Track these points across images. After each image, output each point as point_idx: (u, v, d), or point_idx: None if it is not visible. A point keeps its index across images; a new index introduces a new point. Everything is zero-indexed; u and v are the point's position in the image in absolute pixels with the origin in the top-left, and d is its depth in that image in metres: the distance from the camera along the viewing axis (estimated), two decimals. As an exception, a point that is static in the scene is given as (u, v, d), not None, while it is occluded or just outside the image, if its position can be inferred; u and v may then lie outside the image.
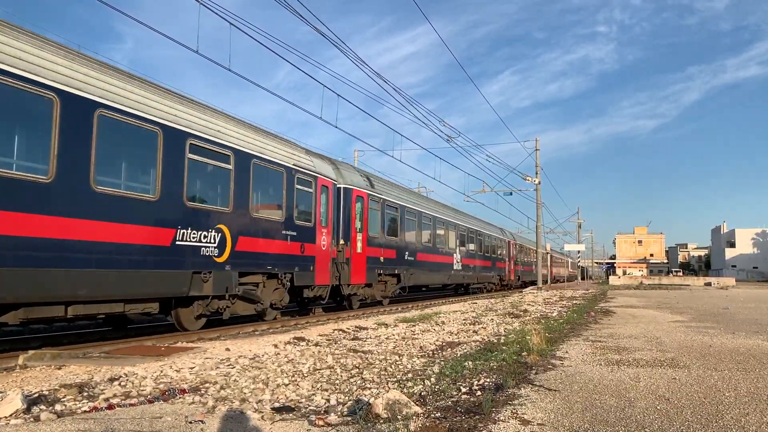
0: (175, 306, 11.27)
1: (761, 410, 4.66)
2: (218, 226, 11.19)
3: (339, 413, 4.58)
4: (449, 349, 8.29)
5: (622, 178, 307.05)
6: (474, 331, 10.65)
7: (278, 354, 7.75)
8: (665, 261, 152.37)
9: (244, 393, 5.32)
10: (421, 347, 8.52)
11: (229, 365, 6.82)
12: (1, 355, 7.98)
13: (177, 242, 10.11)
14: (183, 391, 5.32)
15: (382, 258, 19.05)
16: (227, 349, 8.14)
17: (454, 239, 28.26)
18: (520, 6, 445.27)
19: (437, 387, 5.54)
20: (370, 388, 5.56)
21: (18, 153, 8.11)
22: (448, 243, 27.37)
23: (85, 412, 4.62)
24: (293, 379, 6.02)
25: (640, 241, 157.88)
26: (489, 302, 20.78)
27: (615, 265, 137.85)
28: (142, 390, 5.44)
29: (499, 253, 38.25)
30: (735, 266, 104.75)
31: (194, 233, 10.51)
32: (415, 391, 5.38)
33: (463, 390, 5.35)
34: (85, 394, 5.28)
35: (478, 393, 5.20)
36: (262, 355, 7.60)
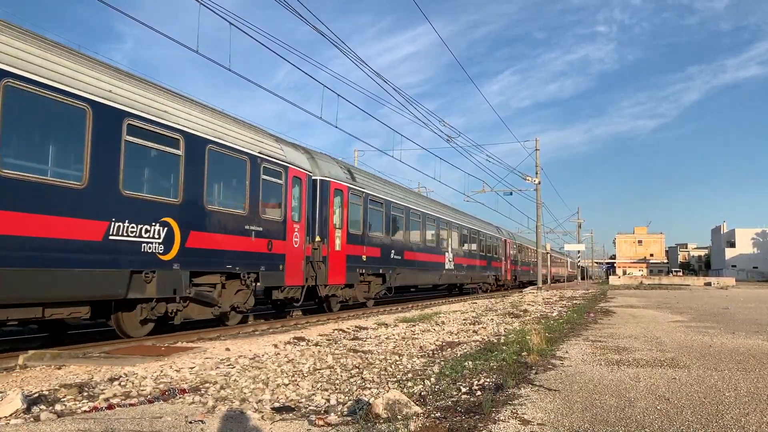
0: (116, 310, 10.02)
1: (761, 410, 4.66)
2: (164, 219, 9.84)
3: (339, 413, 4.58)
4: (449, 349, 8.29)
5: (622, 178, 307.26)
6: (474, 331, 10.65)
7: (278, 354, 7.75)
8: (665, 261, 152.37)
9: (244, 393, 5.33)
10: (421, 347, 8.52)
11: (229, 365, 6.82)
12: (1, 355, 7.98)
13: (111, 237, 8.79)
14: (183, 391, 5.32)
15: (364, 257, 17.75)
16: (227, 349, 8.15)
17: (446, 237, 27.00)
18: (520, 6, 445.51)
19: (437, 387, 5.54)
20: (370, 388, 5.56)
21: None
22: (440, 241, 26.04)
23: (85, 412, 4.62)
24: (293, 379, 6.02)
25: (640, 241, 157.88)
26: (489, 302, 20.78)
27: (615, 265, 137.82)
28: (142, 390, 5.44)
29: (494, 252, 37.01)
30: (735, 266, 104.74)
31: (133, 227, 9.16)
32: (415, 391, 5.38)
33: (463, 390, 5.35)
34: (85, 394, 5.28)
35: (478, 393, 5.20)
36: (262, 355, 7.60)
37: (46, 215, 7.89)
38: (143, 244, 9.41)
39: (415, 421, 4.14)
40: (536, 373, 6.15)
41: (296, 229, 14.11)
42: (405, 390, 5.31)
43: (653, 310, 16.63)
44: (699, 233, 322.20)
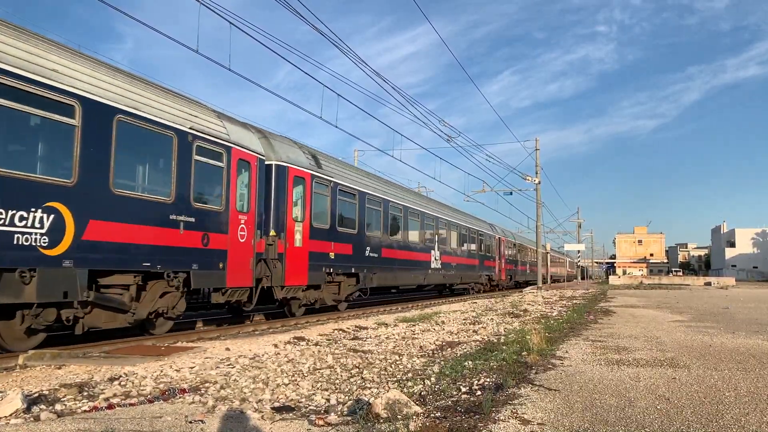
0: None
1: (761, 410, 4.66)
2: (50, 204, 8.01)
3: (339, 413, 4.58)
4: (449, 349, 8.29)
5: (622, 178, 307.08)
6: (474, 331, 10.65)
7: (278, 354, 7.75)
8: (665, 261, 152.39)
9: (244, 393, 5.33)
10: (421, 347, 8.53)
11: (229, 365, 6.82)
12: (1, 355, 7.97)
13: None
14: (183, 391, 5.32)
15: (332, 254, 15.75)
16: (227, 349, 8.15)
17: (432, 234, 24.86)
18: (520, 6, 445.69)
19: (437, 387, 5.54)
20: (370, 388, 5.56)
21: None
22: (425, 238, 23.88)
23: (85, 411, 4.62)
24: (293, 378, 6.02)
25: (640, 241, 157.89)
26: (489, 302, 20.79)
27: (615, 264, 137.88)
28: (142, 390, 5.45)
29: (487, 250, 34.82)
30: (735, 266, 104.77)
31: (0, 213, 7.36)
32: (415, 390, 5.38)
33: (463, 390, 5.35)
34: (85, 393, 5.28)
35: (478, 393, 5.20)
36: (262, 355, 7.60)
37: None
38: (17, 235, 7.56)
39: (415, 421, 4.14)
40: (536, 373, 6.15)
41: (243, 222, 12.05)
42: (405, 390, 5.31)
43: (653, 310, 16.63)
44: (699, 233, 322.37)
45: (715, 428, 4.15)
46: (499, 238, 38.15)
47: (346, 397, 5.15)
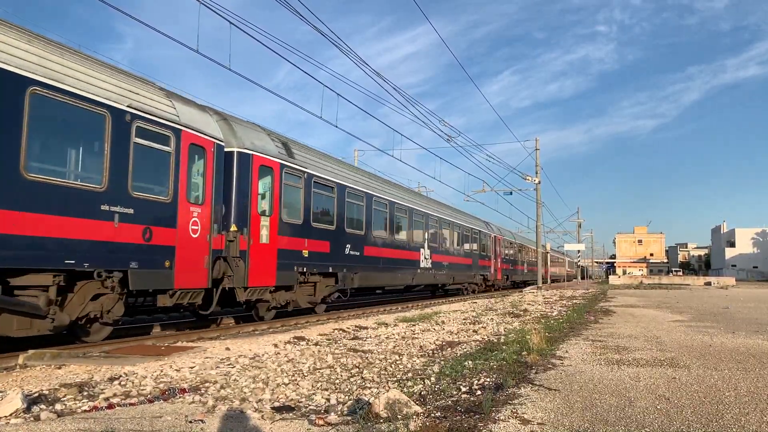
0: None
1: (761, 410, 4.67)
2: None
3: (339, 413, 4.58)
4: (449, 349, 8.30)
5: (622, 178, 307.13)
6: (474, 331, 10.66)
7: (278, 353, 7.76)
8: (665, 261, 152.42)
9: (244, 392, 5.33)
10: (421, 347, 8.53)
11: (229, 365, 6.82)
12: (1, 355, 7.98)
13: None
14: (183, 391, 5.33)
15: (305, 252, 14.32)
16: (227, 349, 8.15)
17: (421, 231, 23.31)
18: (520, 6, 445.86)
19: (437, 386, 5.54)
20: (370, 388, 5.56)
21: None
22: (413, 235, 22.34)
23: (85, 411, 4.62)
24: (293, 378, 6.03)
25: (640, 241, 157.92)
26: (489, 302, 20.79)
27: (615, 264, 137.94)
28: (142, 389, 5.45)
29: (482, 249, 33.41)
30: (735, 266, 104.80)
31: None
32: (415, 390, 5.38)
33: (463, 389, 5.35)
34: (85, 393, 5.29)
35: (478, 392, 5.20)
36: (262, 355, 7.60)
37: None
38: None
39: (415, 421, 4.14)
40: (536, 373, 6.16)
41: (196, 215, 10.69)
42: (405, 389, 5.31)
43: (653, 310, 16.64)
44: (699, 233, 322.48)
45: (715, 428, 4.15)
46: (495, 236, 36.98)
47: (346, 397, 5.16)
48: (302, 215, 14.34)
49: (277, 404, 4.89)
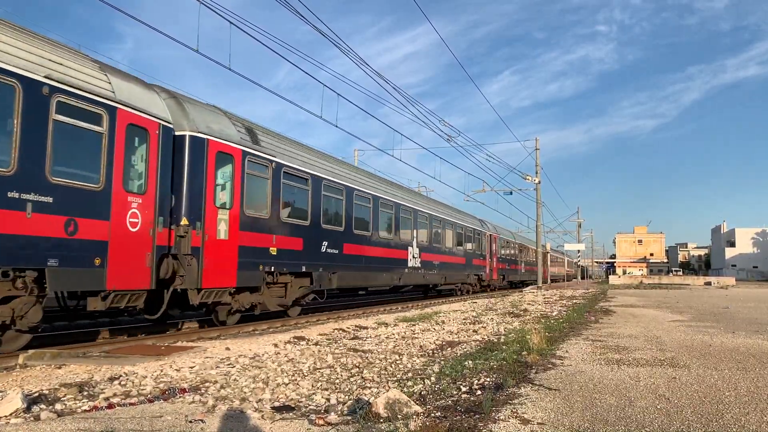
0: None
1: (761, 409, 4.67)
2: None
3: (339, 412, 4.58)
4: (449, 349, 8.30)
5: (622, 178, 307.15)
6: (474, 331, 10.66)
7: (278, 353, 7.76)
8: (665, 260, 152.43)
9: (244, 392, 5.33)
10: (421, 346, 8.53)
11: (229, 364, 6.82)
12: (2, 355, 7.98)
13: None
14: (183, 391, 5.33)
15: (273, 249, 13.00)
16: (227, 349, 8.16)
17: (409, 229, 21.98)
18: (520, 6, 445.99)
19: (437, 386, 5.54)
20: (370, 388, 5.56)
21: None
22: (400, 233, 21.01)
23: (85, 411, 4.63)
24: (293, 378, 6.03)
25: (640, 241, 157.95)
26: (489, 302, 20.80)
27: (615, 264, 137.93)
28: (142, 389, 5.45)
29: (476, 248, 32.06)
30: (735, 266, 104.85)
31: None
32: (415, 390, 5.38)
33: (463, 389, 5.35)
34: (85, 393, 5.29)
35: (478, 392, 5.20)
36: (262, 355, 7.61)
37: None
38: None
39: (415, 421, 4.15)
40: (536, 373, 6.16)
41: (135, 205, 9.41)
42: (405, 389, 5.31)
43: (653, 310, 16.64)
44: (699, 233, 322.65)
45: (715, 428, 4.15)
46: (491, 235, 35.72)
47: (346, 397, 5.16)
48: (269, 209, 12.96)
49: (277, 404, 4.89)
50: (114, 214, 9.05)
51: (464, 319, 13.39)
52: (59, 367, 6.79)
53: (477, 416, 4.33)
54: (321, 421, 4.26)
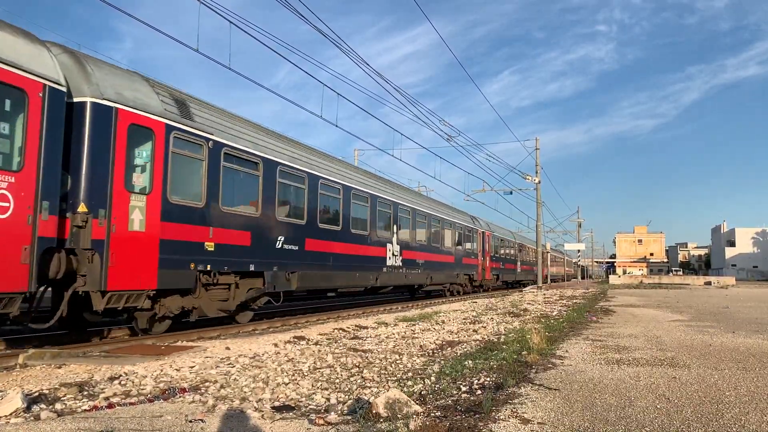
0: None
1: (761, 409, 4.67)
2: None
3: (339, 412, 4.58)
4: (449, 348, 8.30)
5: (622, 178, 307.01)
6: (474, 330, 10.66)
7: (278, 353, 7.76)
8: (665, 260, 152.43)
9: (244, 392, 5.33)
10: (421, 346, 8.53)
11: (229, 364, 6.82)
12: (2, 355, 7.98)
13: None
14: (183, 390, 5.33)
15: (209, 244, 10.89)
16: (227, 348, 8.16)
17: (388, 224, 19.93)
18: (520, 6, 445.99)
19: (437, 386, 5.54)
20: (370, 387, 5.56)
21: None
22: (377, 228, 18.86)
23: (85, 411, 4.62)
24: (293, 378, 6.03)
25: (640, 241, 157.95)
26: (489, 301, 20.80)
27: (615, 264, 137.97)
28: (143, 389, 5.45)
29: (467, 246, 30.16)
30: (735, 265, 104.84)
31: None
32: (415, 390, 5.38)
33: (463, 389, 5.35)
34: (85, 393, 5.29)
35: (478, 392, 5.20)
36: (262, 354, 7.61)
37: None
38: None
39: (415, 420, 4.14)
40: (536, 372, 6.16)
41: (5, 186, 7.31)
42: (405, 389, 5.31)
43: (653, 310, 16.64)
44: (699, 233, 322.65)
45: (715, 427, 4.15)
46: (483, 232, 33.64)
47: (346, 397, 5.16)
48: (204, 196, 10.86)
49: (277, 404, 4.89)
50: None
51: (464, 318, 13.40)
52: (59, 367, 6.79)
53: (477, 416, 4.33)
54: (321, 421, 4.26)
